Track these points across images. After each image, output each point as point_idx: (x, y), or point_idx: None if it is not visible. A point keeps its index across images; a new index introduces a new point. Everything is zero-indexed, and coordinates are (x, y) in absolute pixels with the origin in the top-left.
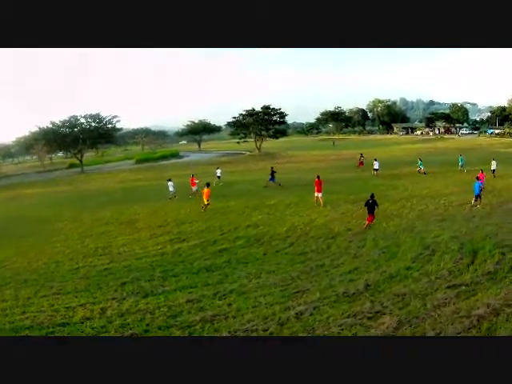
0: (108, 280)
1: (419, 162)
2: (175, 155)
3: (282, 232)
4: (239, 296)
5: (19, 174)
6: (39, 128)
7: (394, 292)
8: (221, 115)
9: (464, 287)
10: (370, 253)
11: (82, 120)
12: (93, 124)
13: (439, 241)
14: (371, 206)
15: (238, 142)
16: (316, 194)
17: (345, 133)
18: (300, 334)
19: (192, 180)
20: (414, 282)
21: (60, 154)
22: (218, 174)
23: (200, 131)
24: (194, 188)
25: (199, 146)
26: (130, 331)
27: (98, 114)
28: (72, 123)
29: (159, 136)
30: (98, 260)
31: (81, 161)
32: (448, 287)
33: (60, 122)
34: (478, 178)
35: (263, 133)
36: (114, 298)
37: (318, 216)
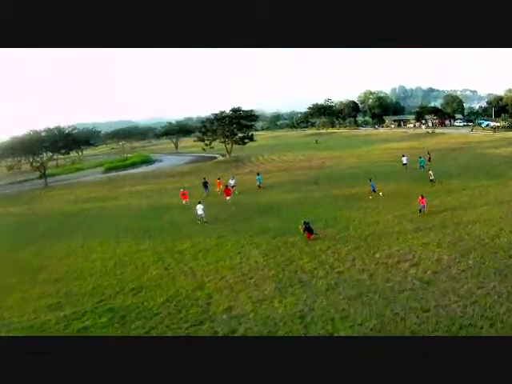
0: None
1: (257, 176)
2: (146, 161)
3: (155, 305)
4: None
5: None
6: None
7: None
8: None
9: None
10: None
11: (43, 134)
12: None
13: None
14: (308, 228)
15: (203, 149)
16: (227, 198)
17: (335, 126)
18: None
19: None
20: None
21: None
22: (232, 184)
23: (176, 132)
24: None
25: (176, 147)
26: None
27: (56, 127)
28: (32, 138)
29: (143, 134)
30: None
31: (44, 174)
32: None
33: (19, 137)
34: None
35: (233, 137)
36: None
37: (214, 276)
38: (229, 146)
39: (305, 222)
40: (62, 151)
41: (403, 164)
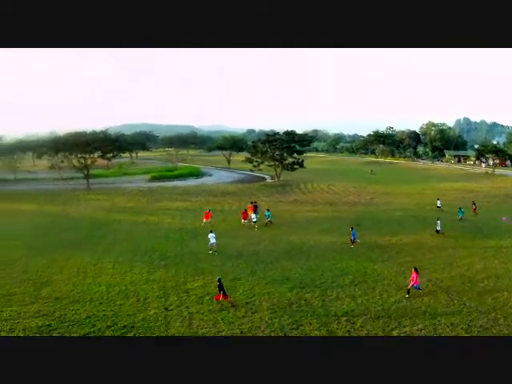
0: None
1: (267, 212)
2: (195, 174)
3: None
4: None
5: (36, 178)
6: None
7: None
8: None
9: None
10: None
11: (88, 137)
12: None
13: None
14: (220, 287)
15: (251, 170)
16: (243, 221)
17: (394, 155)
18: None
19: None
20: None
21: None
22: (254, 219)
23: (229, 147)
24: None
25: (228, 162)
26: None
27: (103, 131)
28: (77, 139)
29: (201, 143)
30: None
31: (87, 175)
32: None
33: (63, 136)
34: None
35: (282, 162)
36: None
37: (209, 329)
38: (278, 169)
39: (219, 280)
40: (108, 155)
41: (437, 207)
